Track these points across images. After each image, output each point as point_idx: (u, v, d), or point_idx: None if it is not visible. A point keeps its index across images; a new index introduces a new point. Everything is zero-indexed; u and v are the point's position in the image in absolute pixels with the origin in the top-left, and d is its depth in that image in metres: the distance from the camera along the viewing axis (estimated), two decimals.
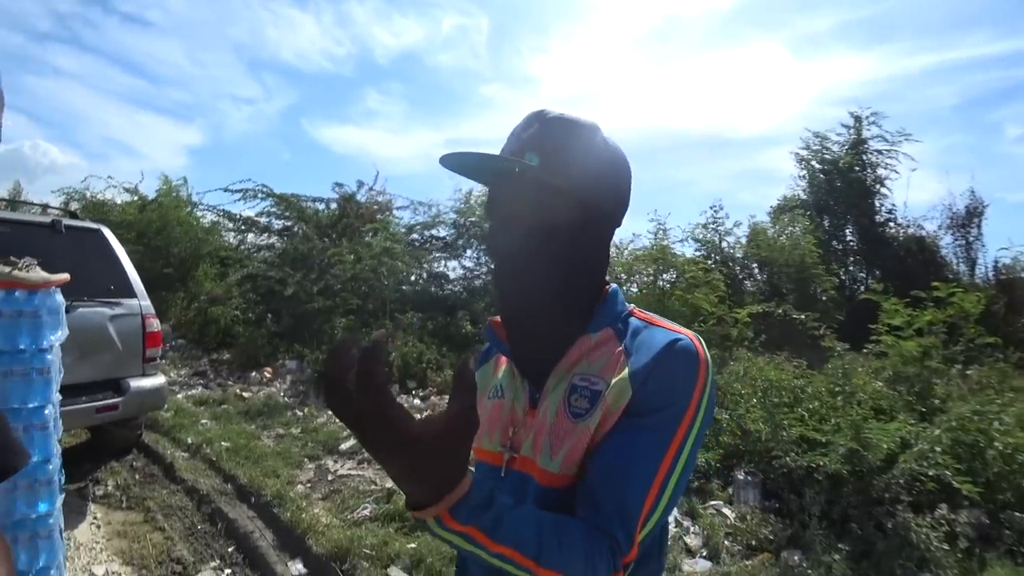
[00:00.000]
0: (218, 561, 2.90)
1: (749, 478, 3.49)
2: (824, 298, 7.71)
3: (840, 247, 9.80)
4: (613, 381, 0.69)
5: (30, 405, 2.32)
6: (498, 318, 0.83)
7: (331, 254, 8.61)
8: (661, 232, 7.07)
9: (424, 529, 0.57)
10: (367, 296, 8.37)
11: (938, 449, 3.05)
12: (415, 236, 10.48)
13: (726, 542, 3.06)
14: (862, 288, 7.97)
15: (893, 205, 10.14)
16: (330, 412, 0.49)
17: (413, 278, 9.84)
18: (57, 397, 2.45)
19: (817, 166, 10.07)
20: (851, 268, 9.63)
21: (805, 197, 10.16)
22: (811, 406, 3.60)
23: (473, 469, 0.74)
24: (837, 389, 3.68)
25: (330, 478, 4.03)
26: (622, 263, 7.84)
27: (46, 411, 2.36)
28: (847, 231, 9.91)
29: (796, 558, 2.82)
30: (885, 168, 9.97)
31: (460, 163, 0.75)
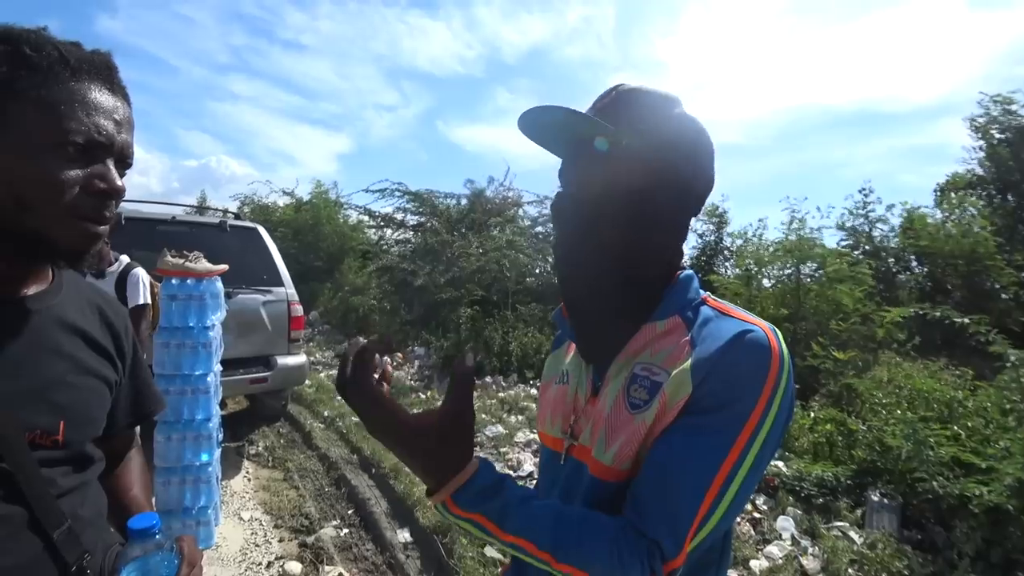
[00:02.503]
0: (338, 521, 3.26)
1: (886, 501, 3.04)
2: (1005, 296, 6.29)
3: None
4: (674, 372, 0.64)
5: (196, 372, 2.79)
6: None
7: (458, 247, 9.07)
8: (797, 221, 6.33)
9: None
10: (490, 287, 8.69)
11: None
12: (540, 229, 10.63)
13: (850, 570, 2.71)
14: None
15: None
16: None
17: (537, 270, 10.00)
18: (218, 368, 2.93)
19: (998, 136, 8.09)
20: None
21: (982, 173, 8.24)
22: (970, 424, 3.02)
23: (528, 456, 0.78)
24: (1009, 406, 3.05)
25: None
26: (751, 253, 7.22)
27: (208, 378, 2.83)
28: None
29: None
30: None
31: (537, 124, 0.72)
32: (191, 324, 2.84)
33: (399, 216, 11.22)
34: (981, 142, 8.19)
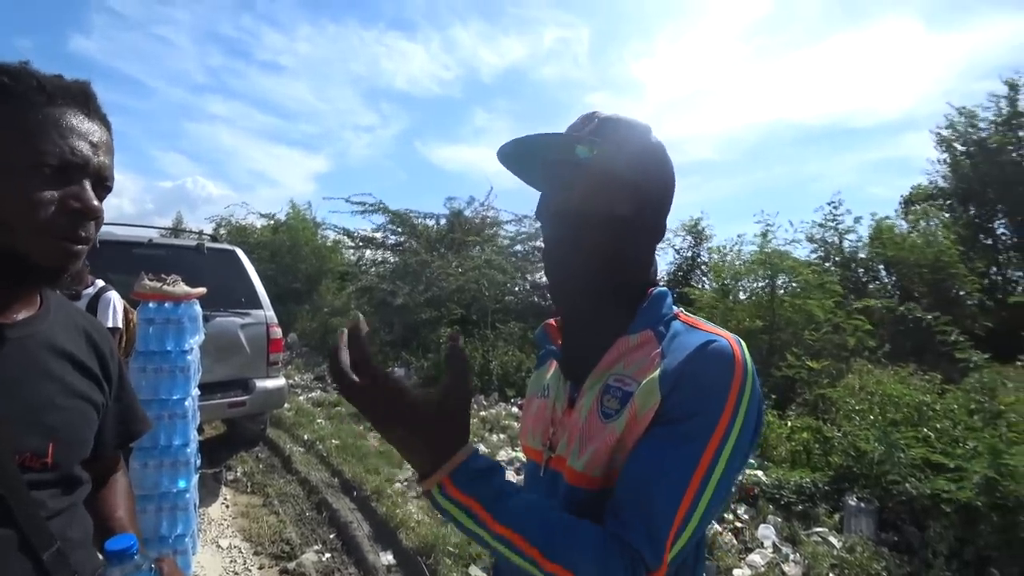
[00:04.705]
0: (320, 545, 3.19)
1: (862, 505, 3.11)
2: (969, 302, 6.54)
3: (989, 241, 8.18)
4: (643, 382, 0.67)
5: (174, 397, 2.74)
6: (552, 321, 0.86)
7: (437, 267, 9.10)
8: (769, 233, 6.52)
9: (436, 509, 0.62)
10: (470, 306, 8.70)
11: None
12: (519, 248, 10.74)
13: (831, 575, 2.76)
14: (1020, 290, 6.66)
15: None
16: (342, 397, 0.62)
17: (516, 289, 10.06)
18: (196, 392, 2.88)
19: (960, 148, 8.48)
20: (1004, 267, 8.13)
21: (945, 185, 8.62)
22: (939, 425, 3.13)
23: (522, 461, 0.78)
24: (975, 407, 3.17)
25: None
26: (727, 268, 7.39)
27: (186, 403, 2.78)
28: (997, 222, 8.30)
29: None
30: None
31: (516, 156, 0.77)
32: (169, 348, 2.79)
33: (378, 236, 11.24)
34: (945, 155, 8.58)
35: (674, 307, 0.77)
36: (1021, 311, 4.01)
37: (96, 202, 0.72)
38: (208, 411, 3.69)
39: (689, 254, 9.94)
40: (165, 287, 2.83)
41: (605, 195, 0.72)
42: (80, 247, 0.71)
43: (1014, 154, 8.05)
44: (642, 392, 0.66)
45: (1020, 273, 7.78)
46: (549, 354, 0.89)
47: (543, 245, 0.80)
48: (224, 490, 3.94)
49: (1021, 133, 8.09)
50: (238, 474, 4.20)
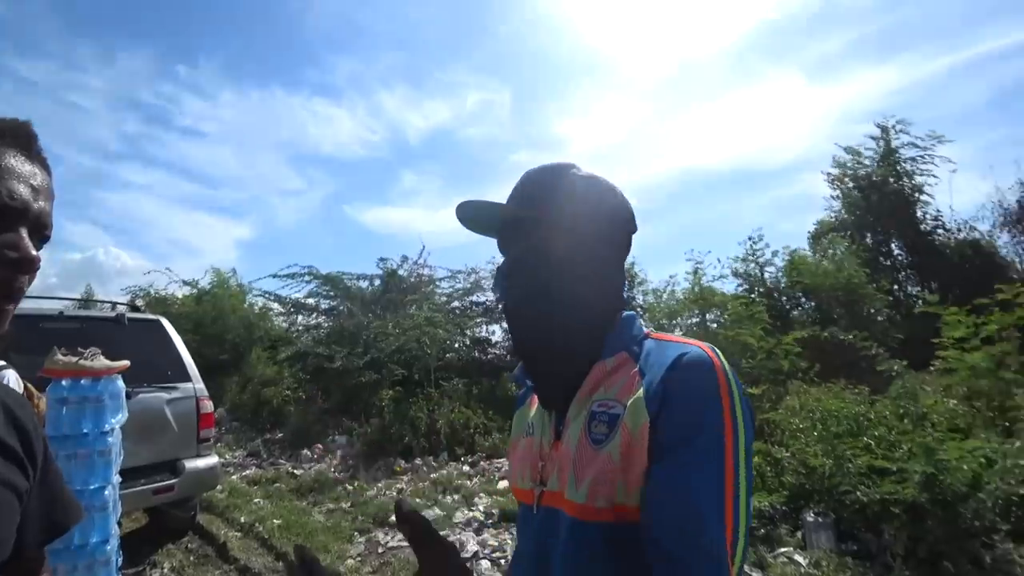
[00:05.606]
0: None
1: (820, 519, 3.21)
2: (880, 318, 7.26)
3: (888, 263, 9.42)
4: (629, 402, 0.67)
5: (91, 487, 2.42)
6: None
7: (375, 327, 8.86)
8: (699, 271, 6.96)
9: None
10: (411, 366, 8.49)
11: None
12: (456, 304, 10.72)
13: None
14: (921, 303, 7.58)
15: (938, 211, 9.95)
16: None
17: (457, 345, 9.94)
18: (117, 479, 2.56)
19: (850, 184, 9.93)
20: (904, 283, 9.32)
21: (844, 217, 9.97)
22: (876, 433, 3.34)
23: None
24: (903, 412, 3.42)
25: (380, 551, 3.97)
26: (662, 308, 7.73)
27: (106, 492, 2.46)
28: (892, 245, 9.64)
29: None
30: (922, 175, 9.84)
31: (463, 216, 0.81)
32: (85, 431, 2.49)
33: (311, 301, 10.85)
34: (837, 192, 9.93)
35: (644, 328, 0.79)
36: (925, 321, 4.47)
37: (35, 252, 0.64)
38: (130, 500, 3.29)
39: (624, 297, 10.34)
40: (82, 361, 2.55)
41: (538, 240, 0.76)
42: (11, 305, 0.63)
43: (895, 184, 9.44)
44: (630, 413, 0.66)
45: (918, 288, 8.96)
46: (530, 391, 0.88)
47: (501, 292, 0.82)
48: None
49: (899, 167, 9.54)
50: (165, 570, 3.71)
